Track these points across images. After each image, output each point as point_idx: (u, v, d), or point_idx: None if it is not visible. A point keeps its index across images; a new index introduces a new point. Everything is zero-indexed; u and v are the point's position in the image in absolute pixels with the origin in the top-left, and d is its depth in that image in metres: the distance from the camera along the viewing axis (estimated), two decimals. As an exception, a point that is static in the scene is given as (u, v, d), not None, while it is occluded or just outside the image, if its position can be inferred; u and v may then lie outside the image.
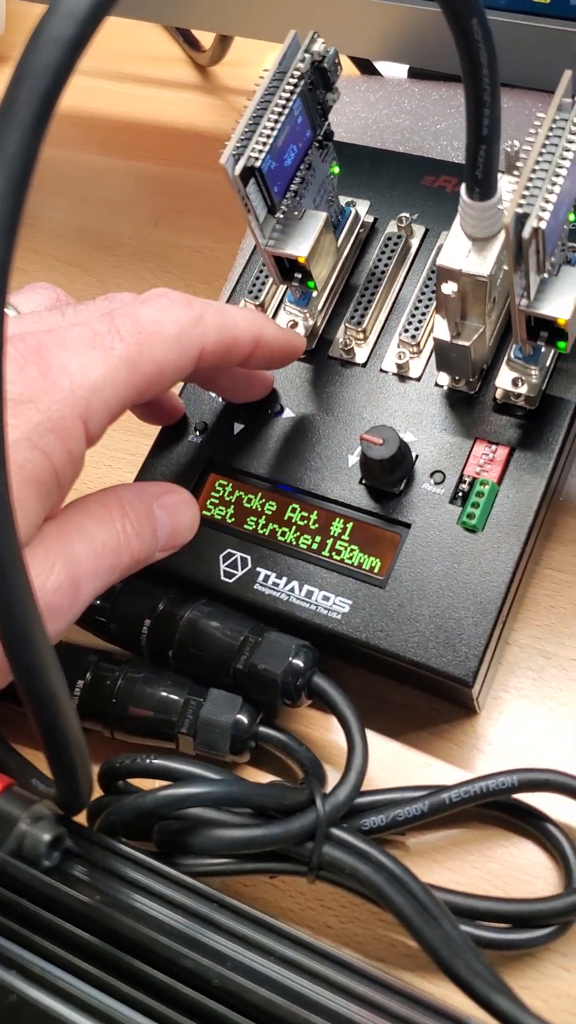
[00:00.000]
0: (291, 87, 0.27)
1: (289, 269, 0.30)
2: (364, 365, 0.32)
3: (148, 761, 0.26)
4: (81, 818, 0.23)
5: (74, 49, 0.15)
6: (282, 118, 0.27)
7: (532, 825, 0.28)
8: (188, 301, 0.27)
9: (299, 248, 0.29)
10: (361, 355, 0.32)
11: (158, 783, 0.26)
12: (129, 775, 0.26)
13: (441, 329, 0.29)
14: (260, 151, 0.26)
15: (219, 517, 0.32)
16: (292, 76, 0.27)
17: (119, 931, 0.20)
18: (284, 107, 0.27)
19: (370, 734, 0.29)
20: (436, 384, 0.31)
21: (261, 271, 0.34)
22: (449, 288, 0.27)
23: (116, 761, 0.26)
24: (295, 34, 0.28)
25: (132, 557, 0.26)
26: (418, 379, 0.32)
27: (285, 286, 0.32)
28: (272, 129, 0.27)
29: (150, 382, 0.25)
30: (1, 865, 0.21)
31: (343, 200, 0.34)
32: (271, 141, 0.27)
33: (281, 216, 0.29)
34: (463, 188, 0.26)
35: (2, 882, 0.21)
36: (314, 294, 0.32)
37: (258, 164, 0.26)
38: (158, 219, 0.46)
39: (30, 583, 0.18)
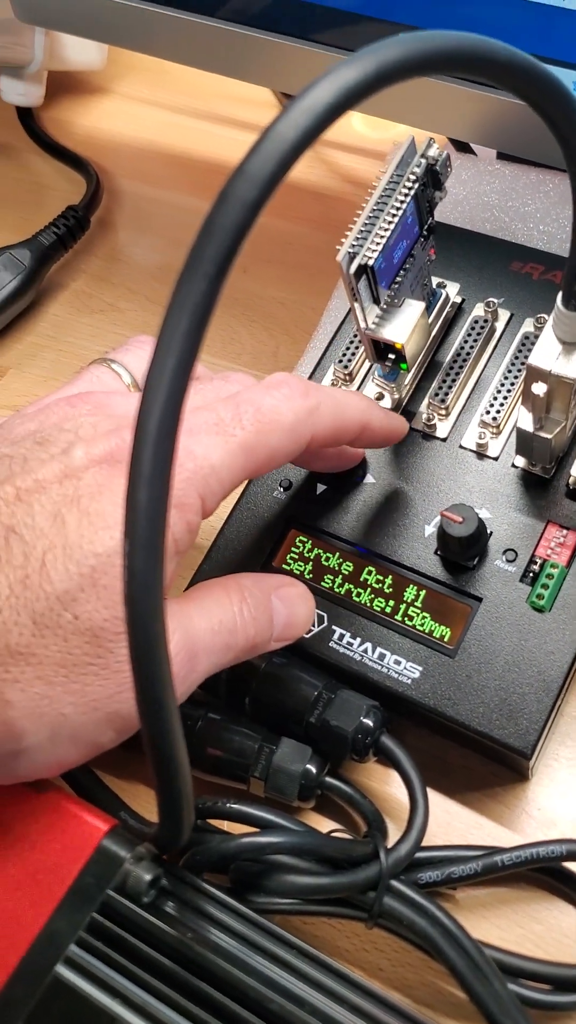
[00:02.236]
0: (407, 190, 0.29)
1: (384, 350, 0.32)
2: (445, 440, 0.34)
3: (231, 806, 0.28)
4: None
5: (255, 209, 0.18)
6: (396, 219, 0.29)
7: (576, 891, 0.30)
8: (307, 391, 0.29)
9: (398, 335, 0.31)
10: (443, 430, 0.35)
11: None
12: (211, 816, 0.28)
13: (525, 420, 0.31)
14: (374, 251, 0.28)
15: (298, 572, 0.34)
16: (408, 179, 0.29)
17: (208, 968, 0.23)
18: (399, 209, 0.29)
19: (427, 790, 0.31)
20: (513, 465, 0.33)
21: (352, 342, 0.36)
22: (539, 388, 0.29)
23: (199, 802, 0.29)
24: (412, 139, 0.30)
25: (247, 640, 0.28)
26: (496, 458, 0.34)
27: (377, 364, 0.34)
28: (386, 231, 0.29)
29: (261, 466, 0.28)
30: (107, 900, 0.23)
31: (435, 280, 0.36)
32: (384, 241, 0.29)
33: (383, 304, 0.31)
34: (559, 297, 0.28)
35: (107, 916, 0.23)
36: (406, 374, 0.34)
37: (371, 263, 0.28)
38: (246, 267, 0.49)
39: (168, 653, 0.20)
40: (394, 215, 0.29)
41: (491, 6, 0.33)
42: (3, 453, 0.26)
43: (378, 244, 0.29)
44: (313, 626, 0.33)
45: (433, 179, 0.30)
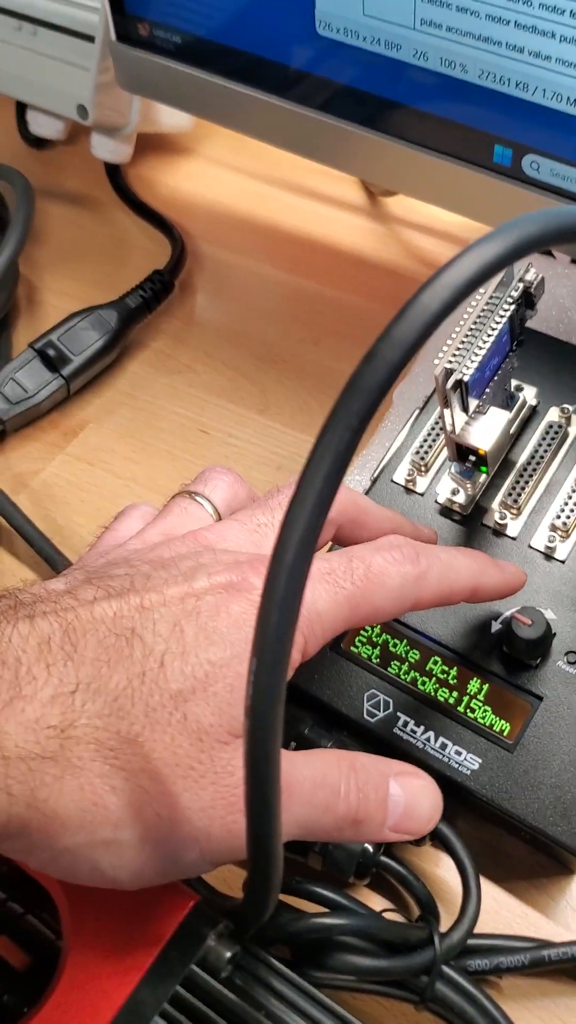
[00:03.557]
0: (504, 312, 0.31)
1: (466, 452, 0.34)
2: (515, 539, 0.36)
3: (301, 885, 0.29)
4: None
5: (396, 370, 0.19)
6: (492, 339, 0.31)
7: (617, 989, 0.31)
8: (417, 557, 0.30)
9: (482, 442, 0.33)
10: (513, 529, 0.36)
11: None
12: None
13: (597, 532, 0.32)
14: (470, 368, 0.30)
15: (366, 656, 0.35)
16: (507, 301, 0.31)
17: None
18: (495, 330, 0.31)
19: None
20: (579, 570, 0.35)
21: (430, 434, 0.38)
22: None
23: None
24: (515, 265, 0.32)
25: (350, 810, 0.27)
26: (563, 561, 0.35)
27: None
28: (482, 349, 0.30)
29: (363, 620, 0.29)
30: (190, 975, 0.24)
31: (513, 384, 0.38)
32: (480, 359, 0.30)
33: (471, 413, 0.33)
34: None
35: (189, 989, 0.24)
36: (481, 476, 0.36)
37: (466, 379, 0.30)
38: (318, 340, 0.51)
39: (278, 756, 0.21)
40: (490, 335, 0.31)
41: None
42: (122, 572, 0.28)
43: (474, 362, 0.30)
44: (378, 710, 0.34)
45: (527, 300, 0.32)
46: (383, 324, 0.52)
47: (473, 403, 0.32)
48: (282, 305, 0.53)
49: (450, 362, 0.30)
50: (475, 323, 0.31)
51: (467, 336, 0.31)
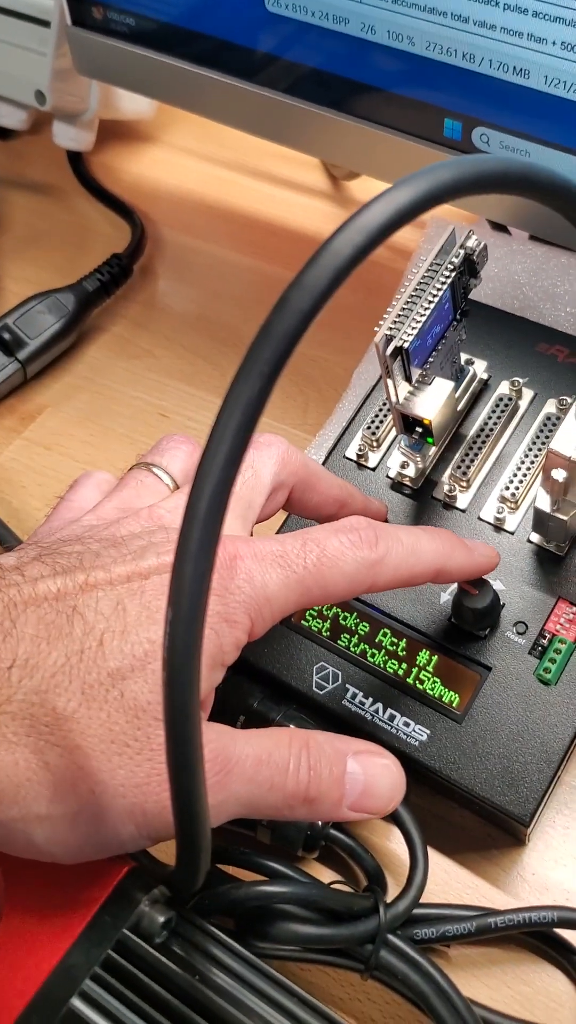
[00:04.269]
0: (445, 278, 0.31)
1: (412, 424, 0.34)
2: (464, 511, 0.36)
3: (242, 854, 0.29)
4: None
5: (308, 318, 0.19)
6: (432, 306, 0.31)
7: (565, 958, 0.31)
8: (375, 540, 0.29)
9: (426, 411, 0.33)
10: (463, 501, 0.36)
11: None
12: (222, 862, 0.30)
13: (543, 501, 0.32)
14: (410, 335, 0.30)
15: (315, 629, 0.35)
16: (447, 268, 0.31)
17: (212, 1009, 0.24)
18: (436, 296, 0.31)
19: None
20: (528, 541, 0.35)
21: (381, 409, 0.38)
22: (559, 474, 0.30)
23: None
24: (453, 229, 0.32)
25: (299, 788, 0.27)
26: (512, 533, 0.35)
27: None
28: (423, 316, 0.30)
29: (314, 602, 0.29)
30: (122, 939, 0.24)
31: (464, 357, 0.38)
32: (420, 326, 0.30)
33: (415, 382, 0.33)
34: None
35: (121, 954, 0.24)
36: (431, 448, 0.36)
37: (407, 346, 0.30)
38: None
39: (198, 711, 0.21)
40: (431, 301, 0.31)
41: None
42: (73, 550, 0.28)
43: (414, 328, 0.30)
44: (327, 683, 0.34)
45: (470, 268, 0.32)
46: (343, 306, 0.52)
47: (416, 372, 0.32)
48: (245, 290, 0.53)
49: (390, 329, 0.30)
50: (415, 290, 0.31)
51: (407, 303, 0.31)
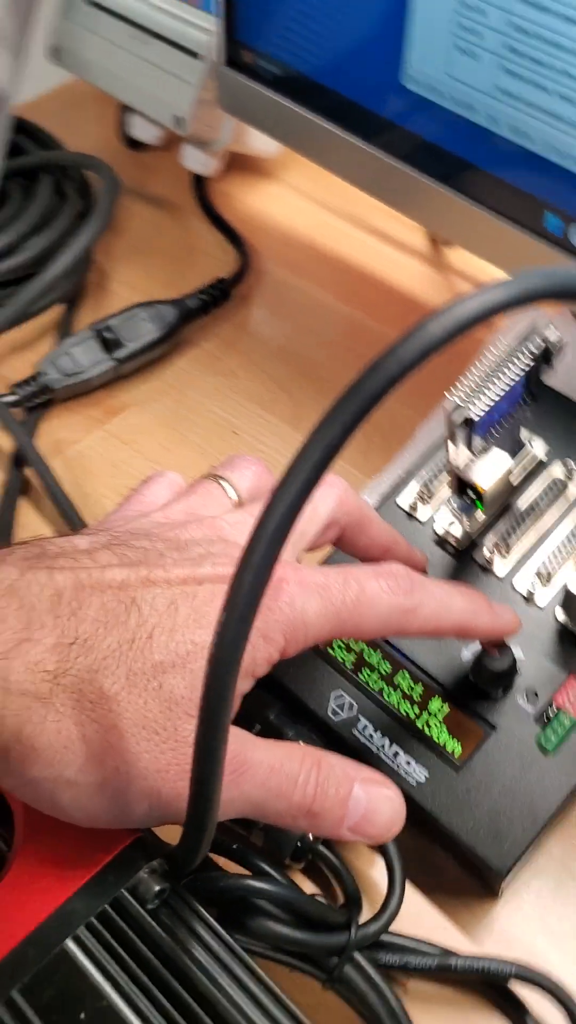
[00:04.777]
0: (521, 365, 0.34)
1: (466, 487, 0.37)
2: (500, 579, 0.38)
3: (236, 848, 0.31)
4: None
5: (393, 383, 0.22)
6: (506, 388, 0.33)
7: (515, 1011, 0.33)
8: (411, 590, 0.31)
9: (482, 480, 0.35)
10: (500, 569, 0.38)
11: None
12: (217, 852, 0.32)
13: (575, 584, 0.35)
14: (480, 411, 0.33)
15: (341, 660, 0.38)
16: (525, 356, 0.34)
17: (188, 976, 0.26)
18: (511, 380, 0.33)
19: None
20: (555, 618, 0.37)
21: (439, 467, 0.41)
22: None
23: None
24: (535, 320, 0.34)
25: (305, 802, 0.29)
26: (541, 608, 0.37)
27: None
28: (496, 395, 0.33)
29: (347, 636, 0.31)
30: (119, 897, 0.27)
31: (524, 434, 0.40)
32: (490, 402, 0.33)
33: (475, 450, 0.35)
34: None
35: (116, 910, 0.27)
36: (480, 513, 0.38)
37: (475, 418, 0.33)
38: (360, 368, 0.53)
39: (231, 697, 0.23)
40: (505, 382, 0.33)
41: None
42: (140, 544, 0.31)
43: (484, 405, 0.33)
44: (342, 711, 0.36)
45: (545, 357, 0.35)
46: (427, 366, 0.54)
47: (478, 442, 0.35)
48: (332, 331, 0.56)
49: (462, 399, 0.33)
50: (493, 368, 0.34)
51: (483, 378, 0.33)
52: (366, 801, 0.30)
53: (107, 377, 0.50)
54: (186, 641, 0.29)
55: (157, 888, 0.27)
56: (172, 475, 0.38)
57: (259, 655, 0.30)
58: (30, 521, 0.47)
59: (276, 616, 0.30)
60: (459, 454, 0.35)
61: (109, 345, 0.50)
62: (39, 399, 0.49)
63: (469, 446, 0.34)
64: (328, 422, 0.22)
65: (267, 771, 0.29)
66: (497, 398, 0.33)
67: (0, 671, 0.27)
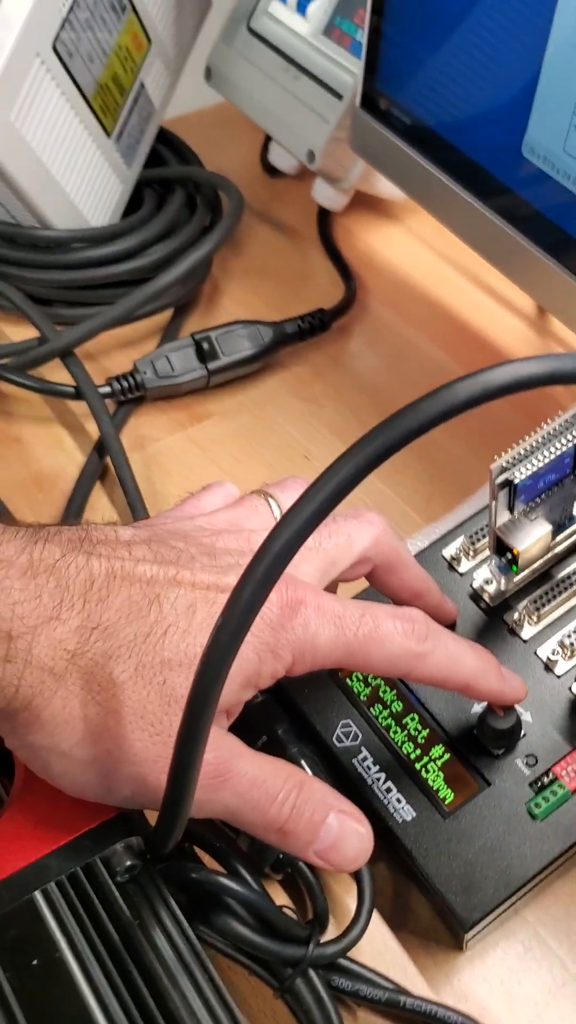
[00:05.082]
0: (572, 438, 0.34)
1: (503, 548, 0.37)
2: (525, 642, 0.39)
3: (217, 845, 0.33)
4: (152, 860, 0.30)
5: (411, 436, 0.23)
6: (554, 456, 0.34)
7: (455, 1062, 0.33)
8: (425, 637, 0.33)
9: (517, 542, 0.36)
10: (527, 633, 0.39)
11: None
12: (199, 845, 0.34)
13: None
14: (523, 474, 0.34)
15: (356, 691, 0.39)
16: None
17: (139, 952, 0.28)
18: (560, 450, 0.34)
19: (374, 913, 0.35)
20: (570, 690, 0.37)
21: (487, 525, 0.41)
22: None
23: (193, 828, 0.34)
24: (597, 397, 0.35)
25: (279, 819, 0.30)
26: (559, 677, 0.38)
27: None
28: (541, 461, 0.34)
29: (354, 668, 0.33)
30: (91, 864, 0.29)
31: (577, 508, 0.41)
32: (535, 470, 0.34)
33: (516, 513, 0.36)
34: None
35: (86, 874, 0.29)
36: (515, 575, 0.39)
37: (516, 482, 0.34)
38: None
39: (217, 692, 0.25)
40: (552, 453, 0.34)
41: None
42: (176, 545, 0.33)
43: (528, 470, 0.34)
44: (346, 739, 0.38)
45: (600, 435, 0.35)
46: (502, 423, 0.56)
47: (520, 507, 0.36)
48: (422, 377, 0.57)
49: (508, 462, 0.34)
50: (546, 437, 0.35)
51: (534, 445, 0.34)
52: (337, 831, 0.31)
53: (197, 385, 0.53)
54: (196, 644, 0.30)
55: (129, 863, 0.29)
56: (230, 486, 0.40)
57: (264, 668, 0.31)
58: (102, 506, 0.50)
59: (288, 635, 0.31)
60: (499, 514, 0.36)
61: (204, 355, 0.52)
62: (131, 395, 0.52)
63: (510, 508, 0.35)
64: (344, 461, 0.23)
65: (248, 783, 0.31)
66: (541, 466, 0.34)
67: (27, 643, 0.29)
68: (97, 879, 0.29)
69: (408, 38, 0.49)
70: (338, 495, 0.23)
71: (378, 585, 0.38)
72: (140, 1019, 0.26)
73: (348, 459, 0.23)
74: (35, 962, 0.27)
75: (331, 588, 0.37)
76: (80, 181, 0.54)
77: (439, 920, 0.36)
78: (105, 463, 0.50)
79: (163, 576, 0.31)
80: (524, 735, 0.37)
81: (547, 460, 0.34)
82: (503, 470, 0.34)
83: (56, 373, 0.53)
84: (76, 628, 0.30)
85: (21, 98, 0.48)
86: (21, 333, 0.56)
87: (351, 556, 0.35)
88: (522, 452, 0.34)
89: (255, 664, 0.31)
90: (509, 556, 0.37)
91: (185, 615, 0.31)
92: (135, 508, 0.47)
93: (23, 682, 0.29)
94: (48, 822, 0.30)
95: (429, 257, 0.64)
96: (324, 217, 0.65)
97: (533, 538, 0.36)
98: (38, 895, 0.28)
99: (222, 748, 0.31)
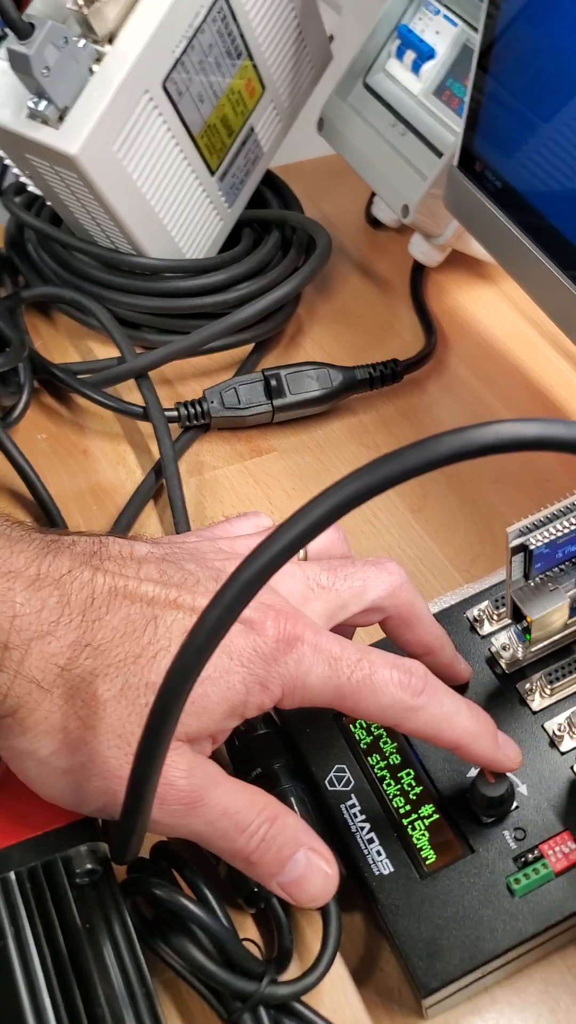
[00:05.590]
0: (593, 512, 0.34)
1: (518, 615, 0.37)
2: (534, 714, 0.38)
3: (189, 871, 0.33)
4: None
5: (390, 482, 0.24)
6: (572, 528, 0.34)
7: None
8: (421, 691, 0.32)
9: (531, 610, 0.36)
10: (536, 704, 0.38)
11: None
12: (173, 865, 0.34)
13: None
14: (539, 541, 0.33)
15: (357, 738, 0.39)
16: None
17: (79, 955, 0.29)
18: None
19: (340, 964, 0.35)
20: (572, 769, 0.37)
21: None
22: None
23: (170, 847, 0.34)
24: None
25: (246, 848, 0.31)
26: (562, 754, 0.37)
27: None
28: (558, 532, 0.34)
29: (343, 710, 0.33)
30: (52, 862, 0.30)
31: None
32: (552, 539, 0.34)
33: (535, 581, 0.36)
34: None
35: (44, 871, 0.29)
36: (530, 645, 0.38)
37: (532, 548, 0.33)
38: (500, 479, 0.54)
39: (176, 713, 0.26)
40: (569, 527, 0.34)
41: None
42: (187, 568, 0.33)
43: (546, 537, 0.34)
44: (338, 784, 0.38)
45: (626, 514, 0.35)
46: (555, 474, 0.54)
47: (537, 575, 0.35)
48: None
49: (526, 527, 0.34)
50: (567, 507, 0.34)
51: (554, 514, 0.34)
52: (304, 868, 0.32)
53: (261, 420, 0.54)
54: None
55: (89, 867, 0.30)
56: (265, 517, 0.41)
57: (251, 699, 0.32)
58: (151, 524, 0.51)
59: (280, 669, 0.32)
60: (514, 579, 0.35)
61: (272, 391, 0.54)
62: (196, 422, 0.54)
63: (526, 575, 0.35)
64: (318, 501, 0.24)
65: (219, 813, 0.31)
66: (560, 536, 0.33)
67: (20, 655, 0.30)
68: (54, 877, 0.29)
69: (509, 104, 0.50)
70: (309, 534, 0.24)
71: (391, 636, 0.38)
72: (67, 1020, 0.27)
73: (323, 500, 0.24)
74: (-21, 946, 0.28)
75: (346, 632, 0.38)
76: (179, 214, 0.57)
77: (405, 984, 0.36)
78: (161, 483, 0.52)
79: (164, 597, 0.32)
80: (516, 807, 0.36)
81: (568, 530, 0.34)
82: (520, 534, 0.34)
83: (131, 393, 0.55)
84: (70, 644, 0.31)
85: (126, 131, 0.51)
86: (107, 352, 0.59)
87: (363, 603, 0.36)
88: (542, 519, 0.34)
89: (242, 694, 0.32)
90: (524, 623, 0.37)
91: (177, 640, 0.31)
92: (179, 529, 0.49)
93: (11, 692, 0.30)
94: (19, 817, 0.31)
95: (516, 320, 0.64)
96: (417, 271, 0.66)
97: (547, 608, 0.36)
98: (-7, 883, 0.29)
99: (197, 775, 0.31)
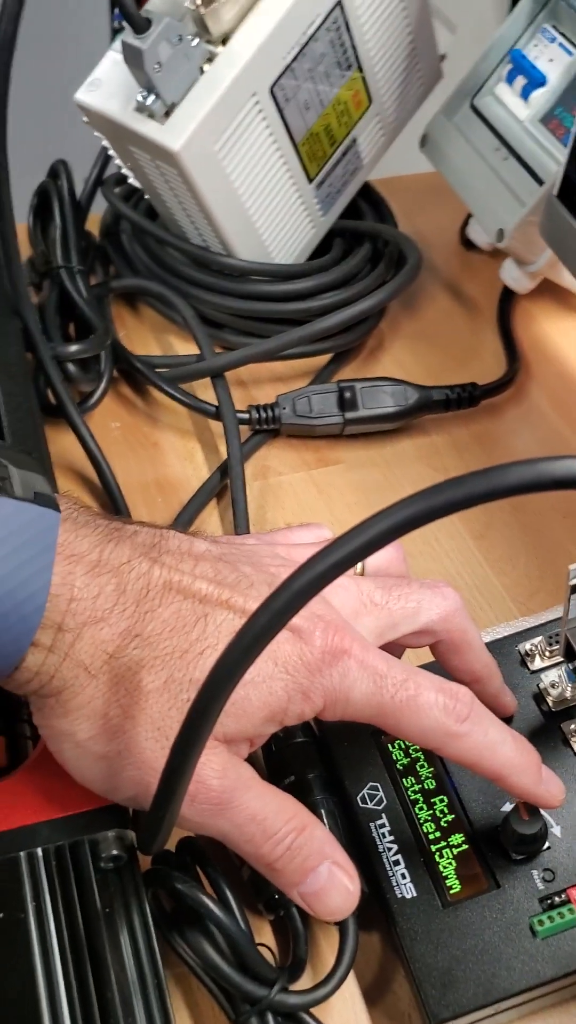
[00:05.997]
0: None
1: (573, 655, 0.36)
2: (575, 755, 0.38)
3: (212, 871, 0.33)
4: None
5: (409, 525, 0.23)
6: None
7: None
8: (466, 717, 0.32)
9: (586, 651, 0.35)
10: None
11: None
12: (197, 862, 0.34)
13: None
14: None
15: (394, 758, 0.38)
16: None
17: (95, 937, 0.29)
18: None
19: (352, 981, 0.35)
20: (608, 814, 0.36)
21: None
22: None
23: (197, 843, 0.34)
24: None
25: (271, 855, 0.31)
26: (601, 799, 0.36)
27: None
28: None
29: (384, 728, 0.33)
30: (78, 843, 0.30)
31: None
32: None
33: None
34: None
35: (71, 852, 0.30)
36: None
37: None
38: (569, 515, 0.53)
39: (219, 706, 0.26)
40: None
41: None
42: (242, 570, 0.33)
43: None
44: (370, 802, 0.37)
45: None
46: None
47: (596, 615, 0.35)
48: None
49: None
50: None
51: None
52: (325, 880, 0.32)
53: (331, 431, 0.54)
54: None
55: (115, 852, 0.30)
56: (326, 530, 0.41)
57: (292, 708, 0.32)
58: (212, 522, 0.52)
59: (324, 680, 0.32)
60: (570, 618, 0.35)
61: (345, 404, 0.54)
62: (267, 427, 0.54)
63: (583, 615, 0.35)
64: (378, 519, 0.24)
65: (247, 817, 0.31)
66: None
67: (73, 637, 0.31)
68: (80, 859, 0.30)
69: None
70: (367, 549, 0.24)
71: (440, 660, 0.37)
72: (78, 1000, 0.27)
73: (384, 517, 0.24)
74: (1, 915, 0.28)
75: (395, 651, 0.38)
76: (272, 219, 0.57)
77: (416, 1009, 0.35)
78: (225, 483, 0.52)
79: (216, 597, 0.32)
80: (548, 847, 0.35)
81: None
82: (579, 573, 0.33)
83: (206, 391, 0.56)
84: (121, 632, 0.31)
85: (229, 132, 0.51)
86: (187, 348, 0.59)
87: (415, 624, 0.35)
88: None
89: (283, 701, 0.32)
90: (577, 664, 0.36)
91: (226, 639, 0.31)
92: (239, 530, 0.49)
93: (59, 673, 0.31)
94: (52, 794, 0.31)
95: (602, 355, 0.63)
96: (507, 297, 0.65)
97: (602, 651, 0.35)
98: (23, 856, 0.29)
99: (230, 777, 0.31)
